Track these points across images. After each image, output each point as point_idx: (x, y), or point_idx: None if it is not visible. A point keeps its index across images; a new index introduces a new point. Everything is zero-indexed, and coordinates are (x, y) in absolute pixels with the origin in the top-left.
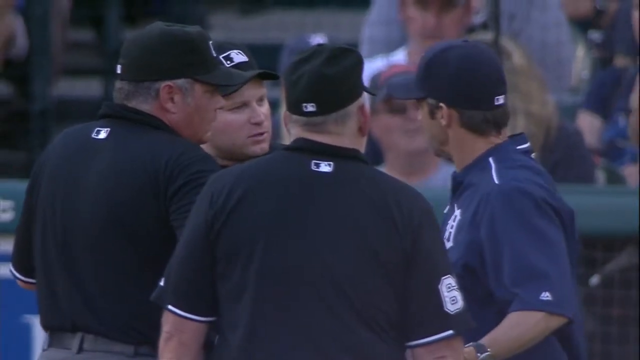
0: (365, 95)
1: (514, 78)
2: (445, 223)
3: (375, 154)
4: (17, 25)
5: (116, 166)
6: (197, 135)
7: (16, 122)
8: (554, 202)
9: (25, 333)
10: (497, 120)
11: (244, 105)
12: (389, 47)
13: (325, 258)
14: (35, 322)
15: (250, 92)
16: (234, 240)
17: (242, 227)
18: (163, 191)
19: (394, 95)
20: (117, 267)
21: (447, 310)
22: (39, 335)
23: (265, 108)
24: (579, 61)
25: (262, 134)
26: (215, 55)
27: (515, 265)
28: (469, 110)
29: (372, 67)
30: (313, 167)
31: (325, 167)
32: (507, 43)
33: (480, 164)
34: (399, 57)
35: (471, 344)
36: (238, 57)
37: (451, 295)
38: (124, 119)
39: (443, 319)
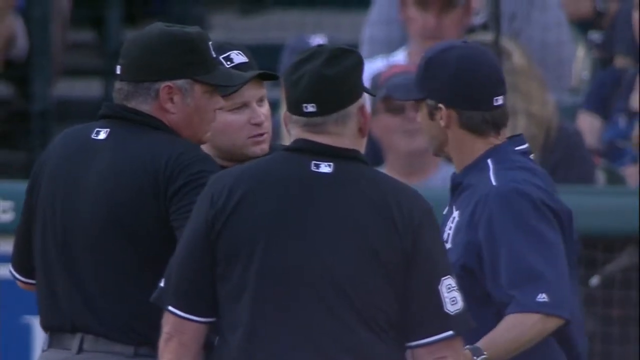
0: (366, 95)
1: (514, 78)
2: (444, 224)
3: (376, 154)
4: (17, 25)
5: (116, 166)
6: (196, 136)
7: (16, 122)
8: (552, 203)
9: (25, 334)
10: (496, 121)
11: (244, 105)
12: (389, 48)
13: (325, 258)
14: (35, 323)
15: (250, 92)
16: (234, 240)
17: (242, 227)
18: (163, 191)
19: (393, 96)
20: (117, 267)
21: (447, 310)
22: (39, 336)
23: (265, 109)
24: (579, 61)
25: (262, 134)
26: (215, 55)
27: (513, 266)
28: (468, 111)
29: (372, 67)
30: (313, 168)
31: (325, 168)
32: (507, 43)
33: (478, 165)
34: (399, 57)
35: (467, 347)
36: (238, 57)
37: (451, 295)
38: (124, 119)
39: (443, 320)
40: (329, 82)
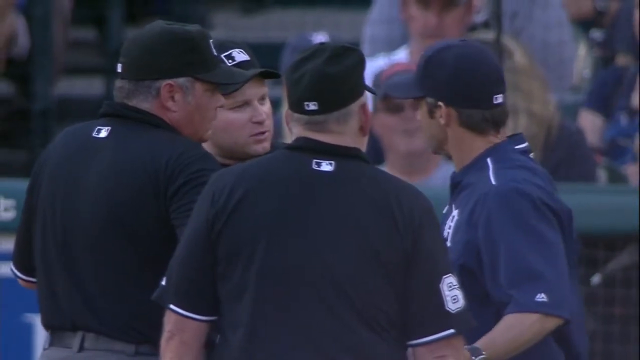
0: (367, 94)
1: (515, 77)
2: (443, 223)
3: (377, 153)
4: (18, 24)
5: (116, 166)
6: (197, 134)
7: (17, 121)
8: (551, 202)
9: (26, 332)
10: (496, 120)
11: (246, 104)
12: (390, 46)
13: (325, 258)
14: (36, 321)
15: (252, 90)
16: (235, 240)
17: (243, 226)
18: (163, 191)
19: (392, 94)
20: (117, 267)
21: (448, 309)
22: (40, 334)
23: (266, 107)
24: (581, 60)
25: (263, 132)
26: (215, 53)
27: (512, 266)
28: (468, 109)
29: (373, 66)
30: (314, 167)
31: (326, 167)
32: (508, 42)
33: (478, 163)
34: (401, 56)
35: (466, 347)
36: (240, 55)
37: (452, 294)
38: (125, 117)
39: (444, 318)
40: (331, 80)
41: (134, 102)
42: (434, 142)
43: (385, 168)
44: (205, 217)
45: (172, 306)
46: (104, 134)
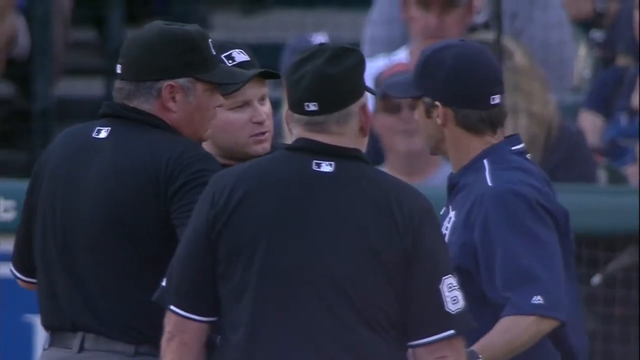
0: (368, 94)
1: (515, 78)
2: (440, 224)
3: (377, 153)
4: (18, 25)
5: (116, 166)
6: (197, 134)
7: (17, 121)
8: (547, 203)
9: (26, 332)
10: (493, 120)
11: (246, 104)
12: (391, 47)
13: (325, 258)
14: (36, 322)
15: (252, 91)
16: (236, 240)
17: (243, 227)
18: (163, 191)
19: (390, 94)
20: (117, 267)
21: (448, 310)
22: (40, 335)
23: (267, 107)
24: (581, 60)
25: (263, 133)
26: (215, 53)
27: (508, 268)
28: (465, 109)
29: (373, 66)
30: (314, 167)
31: (326, 167)
32: (508, 42)
33: (475, 165)
34: (401, 56)
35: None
36: (240, 56)
37: (452, 295)
38: (125, 118)
39: (444, 319)
40: (331, 81)
41: (134, 103)
42: (431, 142)
43: (385, 168)
44: (206, 218)
45: (172, 307)
46: (103, 134)
